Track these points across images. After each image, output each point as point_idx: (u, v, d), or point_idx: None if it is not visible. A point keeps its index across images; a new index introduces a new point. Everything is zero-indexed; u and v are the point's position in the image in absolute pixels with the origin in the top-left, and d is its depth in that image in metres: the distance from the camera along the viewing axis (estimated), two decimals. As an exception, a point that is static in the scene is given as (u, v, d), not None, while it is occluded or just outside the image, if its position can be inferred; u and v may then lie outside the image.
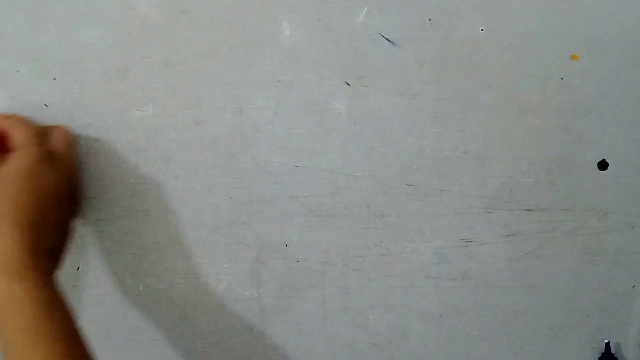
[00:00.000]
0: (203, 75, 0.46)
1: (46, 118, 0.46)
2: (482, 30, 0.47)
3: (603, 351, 0.50)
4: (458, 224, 0.48)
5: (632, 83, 0.48)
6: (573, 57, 0.48)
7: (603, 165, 0.49)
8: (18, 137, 0.41)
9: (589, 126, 0.48)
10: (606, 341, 0.49)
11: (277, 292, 0.48)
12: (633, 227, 0.50)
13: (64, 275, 0.47)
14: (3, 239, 0.37)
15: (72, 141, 0.44)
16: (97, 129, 0.46)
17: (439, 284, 0.49)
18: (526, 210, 0.49)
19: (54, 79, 0.45)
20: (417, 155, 0.48)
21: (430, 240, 0.48)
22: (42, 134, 0.42)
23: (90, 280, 0.47)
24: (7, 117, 0.43)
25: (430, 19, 0.47)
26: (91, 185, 0.46)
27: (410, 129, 0.47)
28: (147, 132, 0.46)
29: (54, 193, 0.40)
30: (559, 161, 0.49)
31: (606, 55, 0.48)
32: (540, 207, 0.49)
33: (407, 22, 0.47)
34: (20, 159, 0.39)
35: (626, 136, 0.49)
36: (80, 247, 0.47)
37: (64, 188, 0.42)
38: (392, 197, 0.48)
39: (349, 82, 0.47)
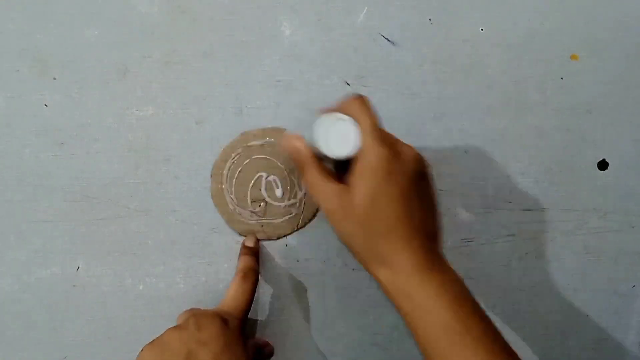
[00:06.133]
0: (203, 75, 0.46)
1: (46, 118, 0.46)
2: (482, 30, 0.47)
3: None
4: (458, 224, 0.48)
5: (632, 83, 0.48)
6: (573, 57, 0.48)
7: (603, 165, 0.49)
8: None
9: (589, 126, 0.48)
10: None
11: (278, 292, 0.48)
12: (633, 227, 0.50)
13: (64, 275, 0.47)
14: (411, 246, 0.36)
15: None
16: (97, 129, 0.46)
17: (439, 284, 0.49)
18: (526, 210, 0.49)
19: (54, 79, 0.46)
20: (417, 155, 0.48)
21: (430, 240, 0.48)
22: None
23: (90, 280, 0.47)
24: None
25: (430, 19, 0.47)
26: (91, 185, 0.46)
27: (410, 129, 0.47)
28: (147, 132, 0.46)
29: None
30: (559, 161, 0.49)
31: (606, 55, 0.48)
32: (540, 207, 0.49)
33: (407, 22, 0.47)
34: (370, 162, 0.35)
35: (626, 136, 0.49)
36: (80, 247, 0.47)
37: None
38: (392, 197, 0.48)
39: (349, 82, 0.47)
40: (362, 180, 0.35)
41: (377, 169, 0.35)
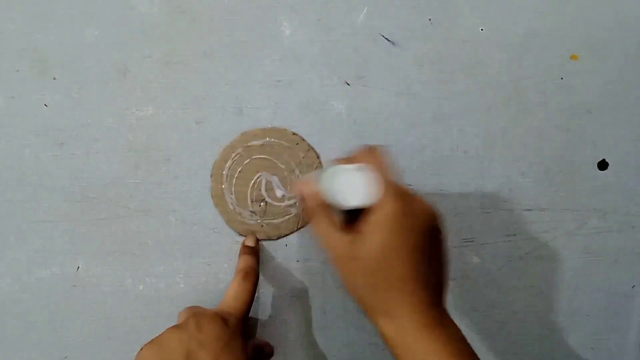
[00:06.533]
0: (203, 75, 0.46)
1: (46, 118, 0.46)
2: (482, 30, 0.47)
3: None
4: (458, 224, 0.49)
5: (632, 83, 0.48)
6: (573, 57, 0.48)
7: (603, 165, 0.49)
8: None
9: (588, 126, 0.48)
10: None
11: (278, 292, 0.48)
12: (633, 227, 0.50)
13: (64, 275, 0.47)
14: (416, 302, 0.36)
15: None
16: (97, 129, 0.46)
17: (439, 284, 0.49)
18: (526, 210, 0.49)
19: (54, 79, 0.46)
20: (417, 155, 0.48)
21: (430, 240, 0.48)
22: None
23: (90, 280, 0.47)
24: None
25: (430, 19, 0.47)
26: (91, 185, 0.46)
27: (410, 129, 0.47)
28: (147, 132, 0.46)
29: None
30: (559, 161, 0.49)
31: (606, 55, 0.48)
32: (540, 207, 0.49)
33: (407, 22, 0.47)
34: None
35: (626, 136, 0.49)
36: (80, 247, 0.47)
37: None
38: (392, 197, 0.48)
39: (349, 82, 0.47)
40: (375, 232, 0.35)
41: (391, 222, 0.35)
